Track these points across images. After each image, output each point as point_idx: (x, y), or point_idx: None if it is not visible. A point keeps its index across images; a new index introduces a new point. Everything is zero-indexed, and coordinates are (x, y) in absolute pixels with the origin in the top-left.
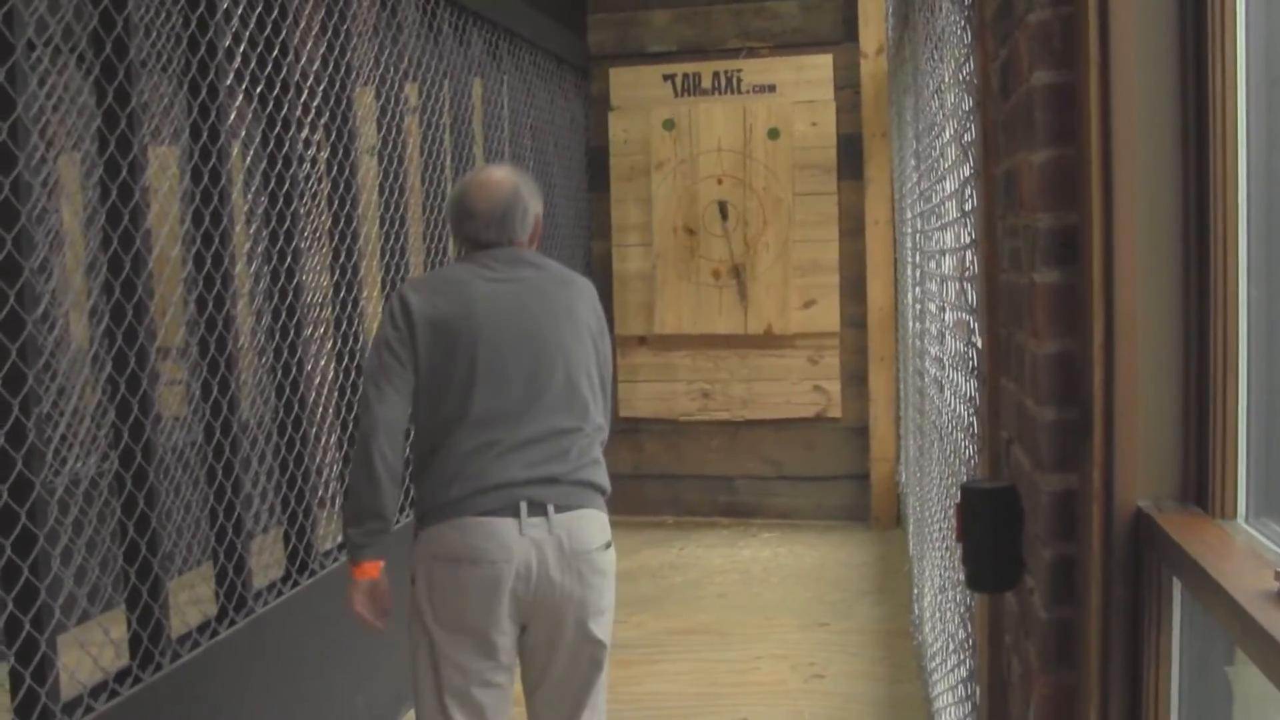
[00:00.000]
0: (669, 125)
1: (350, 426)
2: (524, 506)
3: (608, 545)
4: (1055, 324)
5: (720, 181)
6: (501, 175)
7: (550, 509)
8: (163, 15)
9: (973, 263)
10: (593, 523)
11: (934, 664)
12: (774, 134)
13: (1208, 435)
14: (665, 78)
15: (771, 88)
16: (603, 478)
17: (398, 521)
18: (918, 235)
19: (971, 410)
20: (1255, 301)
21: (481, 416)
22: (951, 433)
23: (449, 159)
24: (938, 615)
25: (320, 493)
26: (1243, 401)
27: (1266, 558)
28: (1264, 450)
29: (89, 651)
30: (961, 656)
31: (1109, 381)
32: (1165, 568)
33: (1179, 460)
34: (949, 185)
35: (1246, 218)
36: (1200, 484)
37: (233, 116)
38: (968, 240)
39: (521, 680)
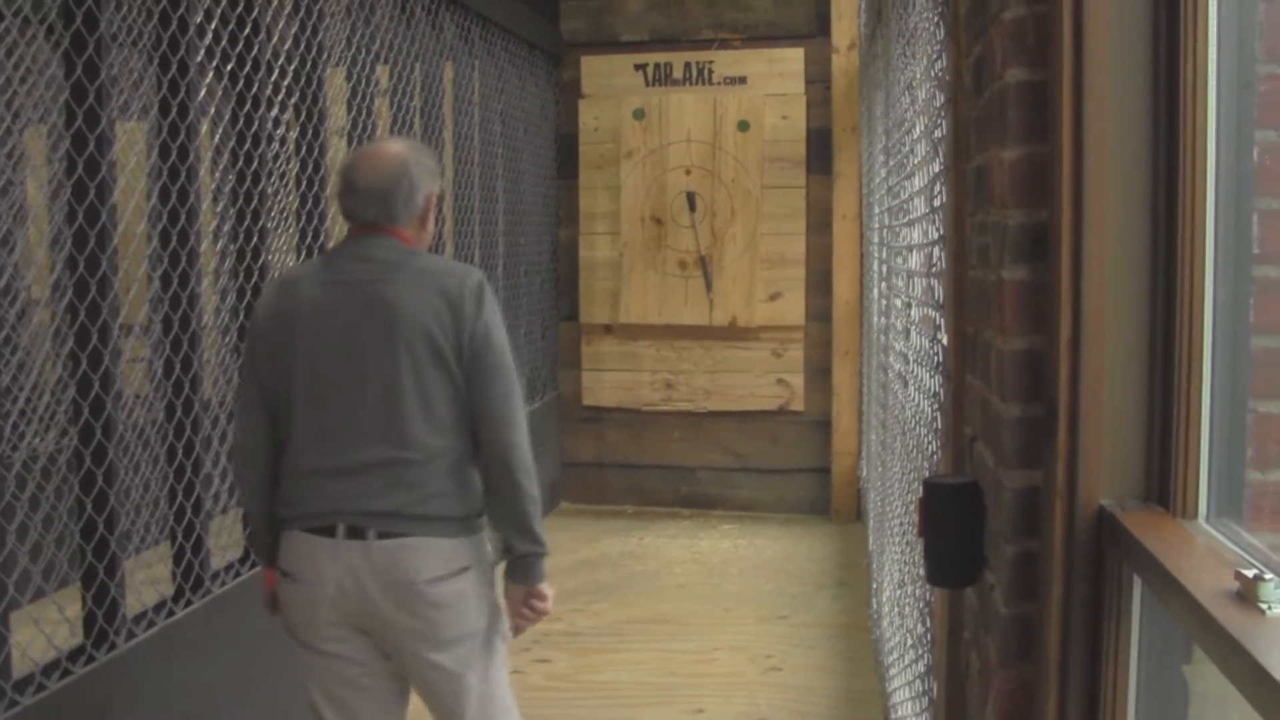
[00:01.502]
0: (639, 115)
1: None
2: (341, 530)
3: (459, 573)
4: (1023, 321)
5: (689, 172)
6: (394, 149)
7: (370, 534)
8: None
9: (940, 259)
10: (425, 553)
11: (892, 658)
12: (744, 126)
13: (1171, 435)
14: (637, 67)
15: (743, 80)
16: (453, 508)
17: None
18: (885, 231)
19: (935, 406)
20: (1221, 303)
21: (304, 439)
22: (915, 428)
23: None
24: (896, 610)
25: None
26: (1206, 402)
27: (1226, 557)
28: (1226, 451)
29: (43, 629)
30: (920, 651)
31: (1075, 379)
32: (1126, 565)
33: (1142, 459)
34: (918, 181)
35: (1214, 219)
36: (1163, 483)
37: (202, 93)
38: (936, 236)
39: None
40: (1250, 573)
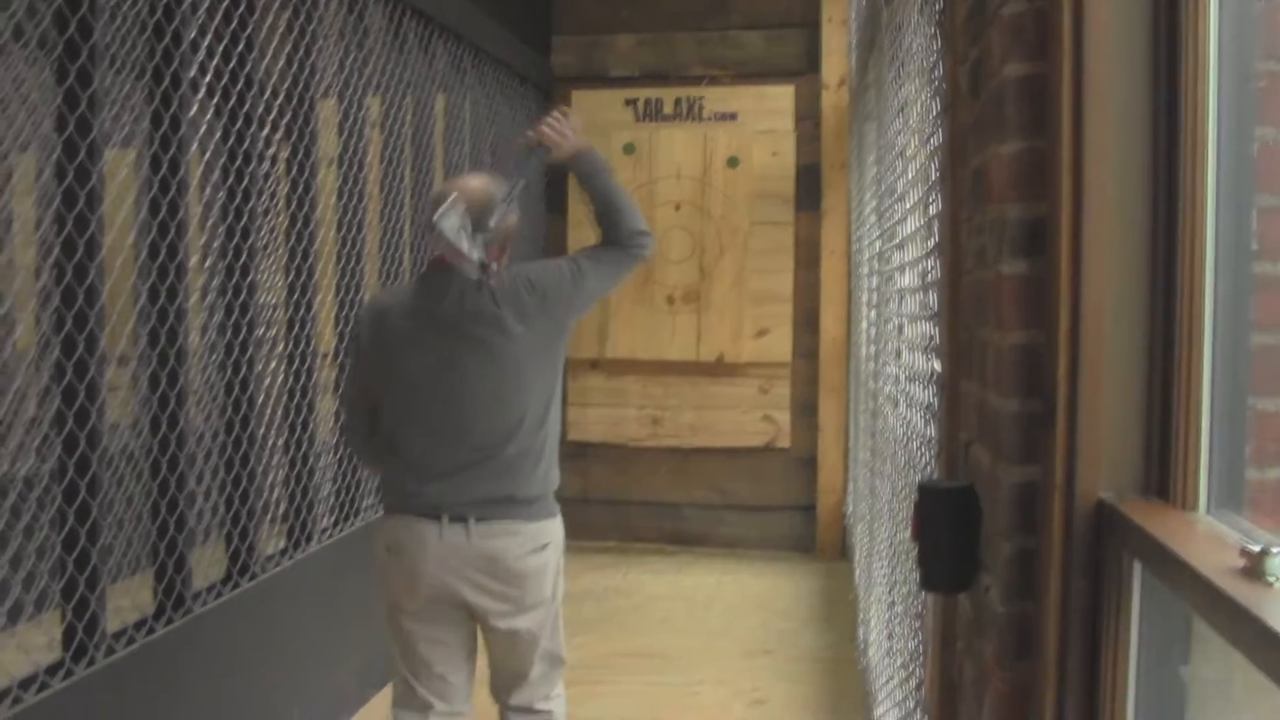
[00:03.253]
0: (629, 149)
1: (298, 430)
2: (445, 516)
3: (540, 549)
4: (1021, 315)
5: (678, 208)
6: (481, 178)
7: (471, 520)
8: (126, 3)
9: (935, 268)
10: (515, 534)
11: (880, 682)
12: (733, 162)
13: (1171, 427)
14: (627, 102)
15: (733, 116)
16: (532, 489)
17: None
18: (876, 259)
19: (929, 417)
20: (1221, 298)
21: (404, 439)
22: (906, 444)
23: (409, 170)
24: (885, 630)
25: (265, 496)
26: (1206, 394)
27: (1229, 542)
28: (1226, 443)
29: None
30: (911, 668)
31: (1074, 371)
32: (1127, 553)
33: (1141, 453)
34: (913, 197)
35: (1215, 211)
36: (1162, 476)
37: (193, 113)
38: (931, 247)
39: None
40: (1256, 547)
